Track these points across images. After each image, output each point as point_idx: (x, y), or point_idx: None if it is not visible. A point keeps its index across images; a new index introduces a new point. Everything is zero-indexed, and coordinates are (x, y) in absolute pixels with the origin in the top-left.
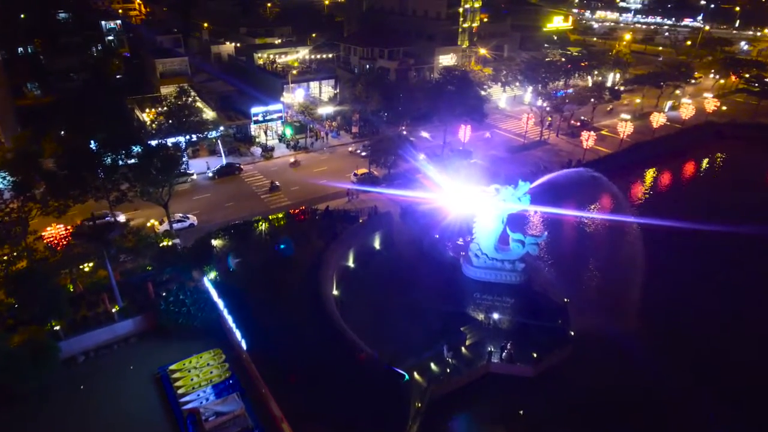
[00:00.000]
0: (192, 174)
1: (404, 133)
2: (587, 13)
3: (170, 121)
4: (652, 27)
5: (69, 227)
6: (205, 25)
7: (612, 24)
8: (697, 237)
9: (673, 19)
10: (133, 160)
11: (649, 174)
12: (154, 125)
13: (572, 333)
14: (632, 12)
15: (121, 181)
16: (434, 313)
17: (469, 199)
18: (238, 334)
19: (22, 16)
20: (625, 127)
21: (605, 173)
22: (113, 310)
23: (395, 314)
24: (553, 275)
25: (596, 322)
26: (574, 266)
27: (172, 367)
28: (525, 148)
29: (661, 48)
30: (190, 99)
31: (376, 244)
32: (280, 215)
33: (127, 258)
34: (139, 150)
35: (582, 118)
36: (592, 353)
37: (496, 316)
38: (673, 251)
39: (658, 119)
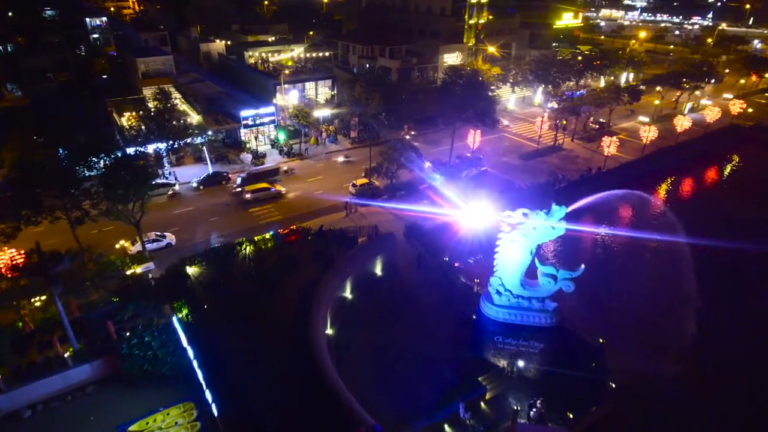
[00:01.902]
0: (173, 184)
1: (408, 138)
2: (592, 12)
3: (150, 126)
4: (661, 25)
5: (22, 252)
6: (198, 28)
7: (619, 22)
8: (748, 259)
9: (680, 17)
10: (96, 173)
11: (680, 183)
12: (133, 131)
13: (612, 384)
14: (638, 10)
15: (83, 198)
16: (447, 359)
17: (481, 214)
18: (208, 395)
19: (10, 14)
20: (649, 132)
21: (630, 182)
22: (66, 355)
23: (400, 359)
24: (585, 308)
25: (639, 366)
26: (607, 296)
27: (133, 427)
28: (539, 154)
29: (672, 46)
30: (173, 101)
31: (377, 270)
32: (267, 236)
33: (88, 288)
34: (106, 161)
35: (601, 120)
36: (636, 408)
37: (521, 363)
38: (726, 276)
39: (682, 122)
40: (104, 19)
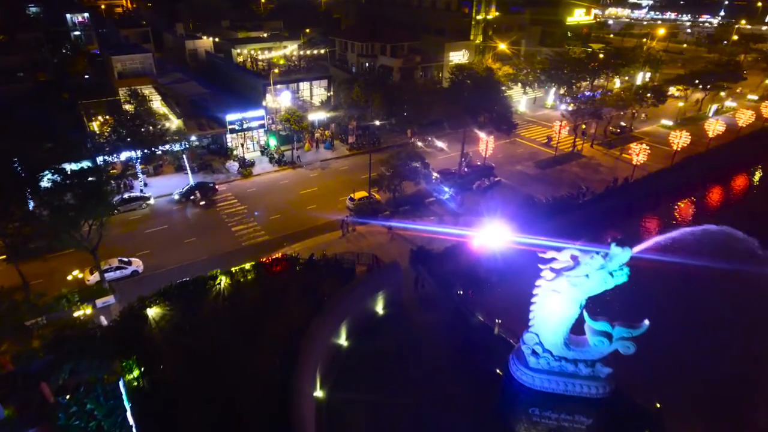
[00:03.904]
0: (148, 198)
1: (421, 144)
2: (597, 11)
3: (121, 132)
4: (669, 23)
5: None
6: (182, 25)
7: (628, 21)
8: None
9: (689, 15)
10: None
11: (726, 195)
12: (101, 138)
13: None
14: (646, 8)
15: (21, 223)
16: None
17: (498, 235)
18: None
19: None
20: (680, 137)
21: (664, 194)
22: None
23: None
24: (635, 360)
25: None
26: (664, 344)
27: None
28: (556, 162)
29: (685, 45)
30: (148, 103)
31: (379, 309)
32: (248, 266)
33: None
34: (54, 178)
35: (621, 123)
36: None
37: None
38: None
39: (714, 127)
40: (86, 15)
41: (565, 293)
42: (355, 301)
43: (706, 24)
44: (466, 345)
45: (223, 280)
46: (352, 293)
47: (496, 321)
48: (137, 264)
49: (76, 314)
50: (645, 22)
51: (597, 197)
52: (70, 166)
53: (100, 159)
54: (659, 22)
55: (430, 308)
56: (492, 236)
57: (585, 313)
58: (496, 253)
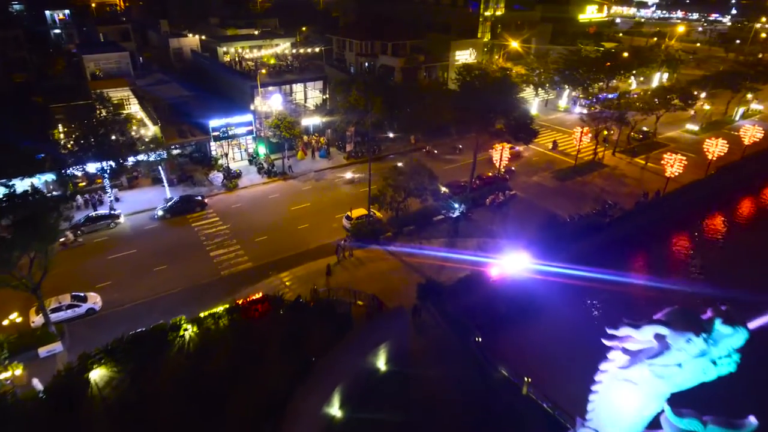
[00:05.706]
0: (118, 216)
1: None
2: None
3: (86, 141)
4: (679, 22)
5: None
6: (166, 23)
7: (636, 19)
8: None
9: (697, 14)
10: None
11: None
12: (64, 148)
13: None
14: (653, 7)
15: None
16: None
17: (518, 263)
18: None
19: None
20: (715, 145)
21: (705, 209)
22: None
23: None
24: None
25: None
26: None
27: None
28: (577, 173)
29: (698, 44)
30: (125, 108)
31: (380, 365)
32: (221, 310)
33: None
34: None
35: (644, 129)
36: None
37: None
38: None
39: (751, 133)
40: (66, 12)
41: (645, 386)
42: (352, 359)
43: (719, 23)
44: (488, 409)
45: (189, 330)
46: (348, 350)
47: (525, 379)
48: (94, 300)
49: (2, 376)
50: (651, 20)
51: (627, 214)
52: (22, 182)
53: (62, 172)
54: (672, 20)
55: (441, 359)
56: (511, 264)
57: (666, 406)
58: (516, 285)
